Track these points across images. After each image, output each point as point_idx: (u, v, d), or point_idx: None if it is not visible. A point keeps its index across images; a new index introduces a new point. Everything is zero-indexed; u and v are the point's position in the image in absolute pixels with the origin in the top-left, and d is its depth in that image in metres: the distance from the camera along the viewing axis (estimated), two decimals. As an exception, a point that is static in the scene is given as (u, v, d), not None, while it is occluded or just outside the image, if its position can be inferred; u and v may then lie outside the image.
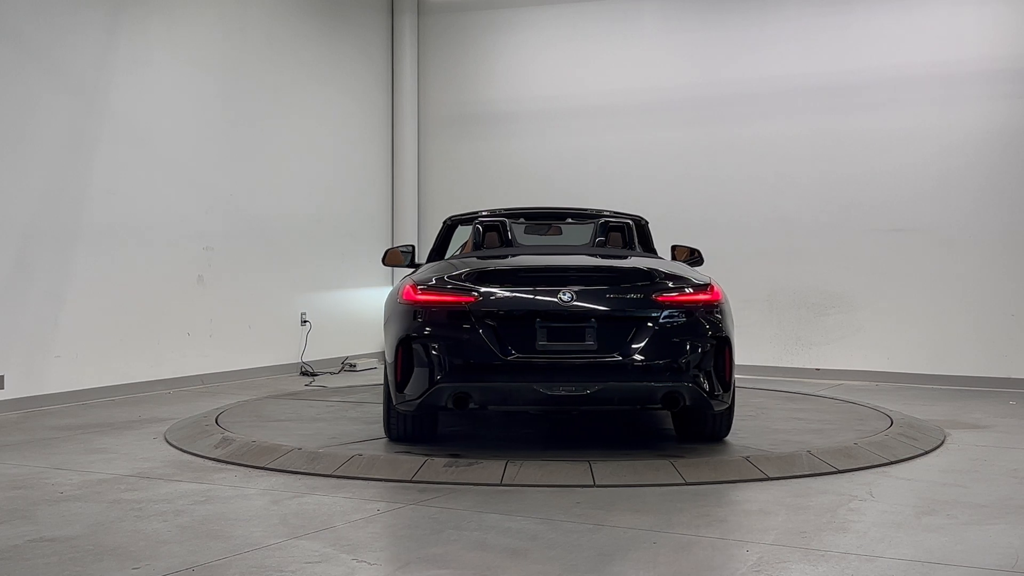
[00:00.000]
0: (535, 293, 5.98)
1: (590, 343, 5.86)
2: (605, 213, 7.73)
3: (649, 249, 7.76)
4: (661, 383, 5.86)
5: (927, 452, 6.43)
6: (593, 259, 6.55)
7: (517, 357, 5.83)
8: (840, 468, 5.85)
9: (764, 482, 5.58)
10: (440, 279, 6.14)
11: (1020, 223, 9.53)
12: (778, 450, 6.15)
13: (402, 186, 12.12)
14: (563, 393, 5.83)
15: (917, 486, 5.57)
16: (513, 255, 6.64)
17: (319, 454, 5.99)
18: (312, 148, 11.03)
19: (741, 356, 10.37)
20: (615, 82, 11.17)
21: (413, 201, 12.14)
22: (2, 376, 7.93)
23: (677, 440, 6.56)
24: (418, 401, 5.95)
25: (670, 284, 6.03)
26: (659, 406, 5.96)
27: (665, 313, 5.91)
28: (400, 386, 6.02)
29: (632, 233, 7.07)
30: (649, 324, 5.88)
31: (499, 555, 4.29)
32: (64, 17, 8.40)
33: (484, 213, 7.66)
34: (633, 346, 5.84)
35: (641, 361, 5.84)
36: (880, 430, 6.86)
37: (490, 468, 5.66)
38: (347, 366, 11.07)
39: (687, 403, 5.92)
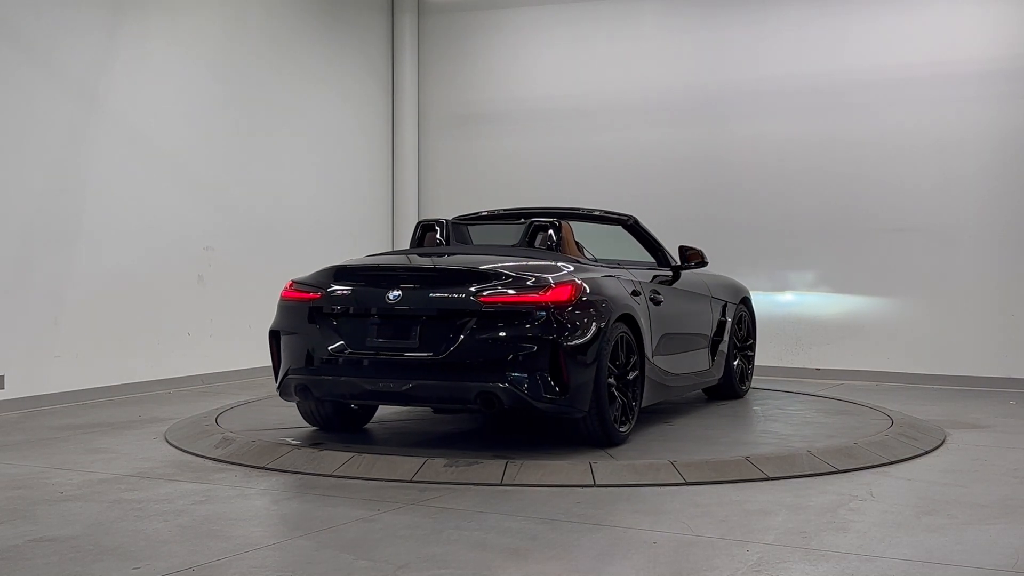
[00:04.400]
0: (372, 292, 6.17)
1: (413, 341, 5.99)
2: (595, 212, 7.72)
3: (651, 247, 7.68)
4: (475, 383, 5.86)
5: (927, 452, 6.43)
6: (466, 259, 6.50)
7: (350, 353, 6.11)
8: (840, 468, 5.85)
9: (764, 482, 5.58)
10: (312, 275, 6.52)
11: (1020, 223, 9.53)
12: (778, 450, 6.15)
13: (402, 186, 12.12)
14: (384, 389, 6.05)
15: (917, 486, 5.57)
16: (409, 254, 6.83)
17: (319, 454, 5.99)
18: (312, 148, 11.03)
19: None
20: (615, 82, 11.16)
21: (413, 201, 12.14)
22: (2, 376, 7.92)
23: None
24: (278, 391, 6.48)
25: (502, 285, 5.97)
26: (477, 406, 5.95)
27: (488, 313, 5.88)
28: (275, 376, 6.51)
29: (559, 232, 6.83)
30: (470, 324, 5.88)
31: (499, 555, 4.29)
32: (64, 17, 8.39)
33: (453, 216, 7.79)
34: (451, 345, 5.88)
35: (456, 360, 5.88)
36: (880, 430, 6.86)
37: (490, 468, 5.66)
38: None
39: (505, 404, 5.87)
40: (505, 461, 5.74)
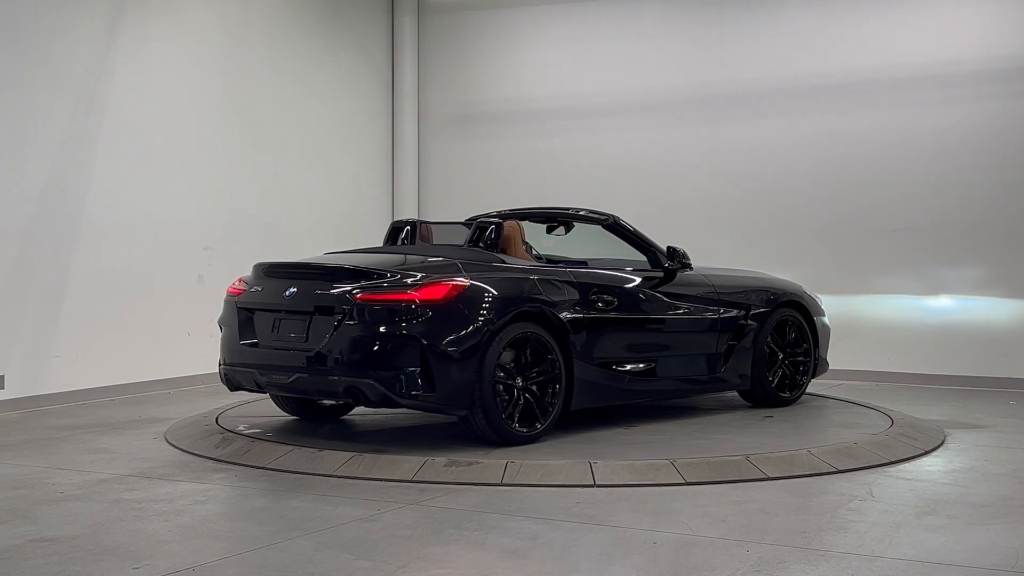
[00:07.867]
0: (278, 289, 6.43)
1: (301, 336, 6.24)
2: (580, 212, 7.67)
3: (641, 247, 7.53)
4: (342, 377, 6.05)
5: (927, 452, 6.43)
6: (362, 257, 6.74)
7: (258, 346, 6.49)
8: (840, 468, 5.85)
9: (764, 482, 5.58)
10: (250, 273, 6.81)
11: (1019, 223, 9.53)
12: (778, 450, 6.15)
13: (402, 186, 12.12)
14: (275, 381, 6.37)
15: (917, 486, 5.57)
16: (350, 253, 7.08)
17: (319, 454, 5.99)
18: (312, 148, 11.03)
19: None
20: (615, 82, 11.16)
21: (413, 201, 12.14)
22: (2, 376, 7.92)
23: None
24: (220, 378, 6.85)
25: (381, 283, 6.13)
26: (346, 400, 6.21)
27: (360, 309, 6.04)
28: None
29: (501, 232, 6.86)
30: (345, 320, 6.06)
31: (499, 555, 4.29)
32: (64, 16, 8.39)
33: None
34: (326, 341, 6.09)
35: (328, 355, 6.09)
36: (880, 430, 6.85)
37: (490, 468, 5.66)
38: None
39: (371, 399, 6.02)
40: (505, 461, 5.74)
